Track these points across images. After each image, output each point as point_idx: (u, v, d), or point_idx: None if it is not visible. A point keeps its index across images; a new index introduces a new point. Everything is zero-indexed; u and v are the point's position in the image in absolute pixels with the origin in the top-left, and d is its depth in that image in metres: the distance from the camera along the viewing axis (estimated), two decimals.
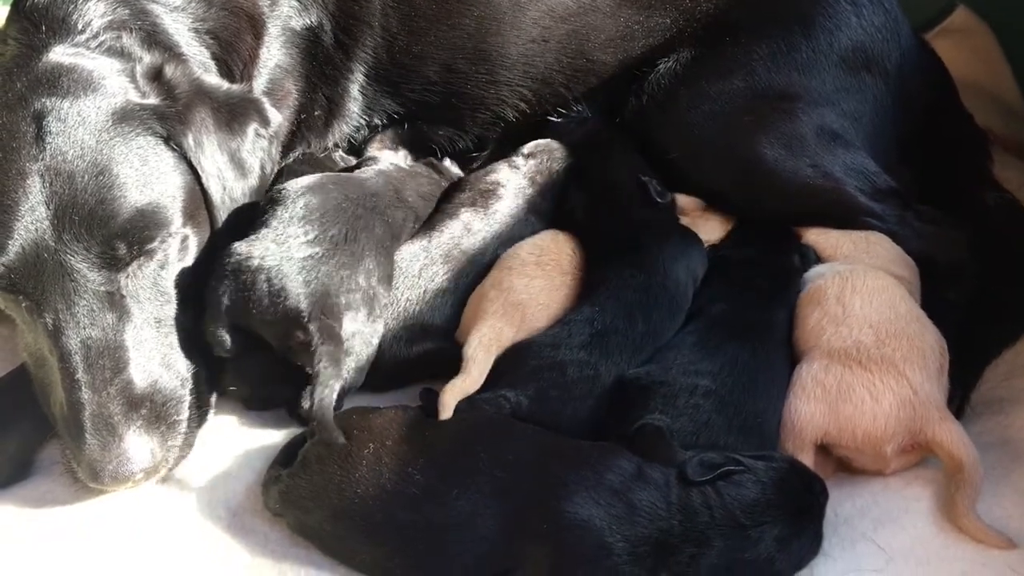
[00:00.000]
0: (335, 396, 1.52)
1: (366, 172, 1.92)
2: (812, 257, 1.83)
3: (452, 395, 1.54)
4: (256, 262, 1.59)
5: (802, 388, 1.56)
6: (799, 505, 1.37)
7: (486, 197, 1.90)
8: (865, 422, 1.50)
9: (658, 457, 1.41)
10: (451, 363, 1.66)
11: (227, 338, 1.59)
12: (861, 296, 1.64)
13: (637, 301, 1.68)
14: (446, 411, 1.51)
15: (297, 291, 1.58)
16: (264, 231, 1.65)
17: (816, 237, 1.87)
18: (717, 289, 1.76)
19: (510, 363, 1.62)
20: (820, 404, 1.53)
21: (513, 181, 1.94)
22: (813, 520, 1.39)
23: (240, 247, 1.62)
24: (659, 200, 1.86)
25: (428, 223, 1.87)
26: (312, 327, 1.56)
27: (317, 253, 1.64)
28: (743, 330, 1.65)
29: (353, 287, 1.65)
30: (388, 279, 1.74)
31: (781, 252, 1.83)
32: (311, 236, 1.65)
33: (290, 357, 1.60)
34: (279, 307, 1.57)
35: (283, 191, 1.73)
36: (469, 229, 1.85)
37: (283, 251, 1.62)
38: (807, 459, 1.50)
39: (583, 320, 1.66)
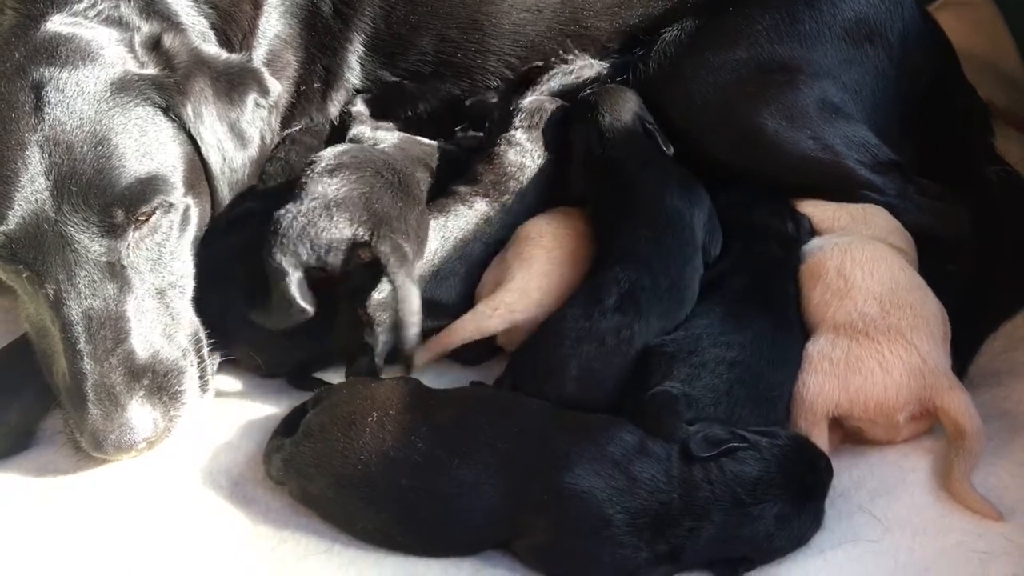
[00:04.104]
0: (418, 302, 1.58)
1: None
2: (807, 225, 1.83)
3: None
4: (319, 199, 1.63)
5: (809, 363, 1.56)
6: (801, 484, 1.38)
7: (499, 188, 1.88)
8: (876, 392, 1.50)
9: (661, 432, 1.42)
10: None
11: (294, 276, 1.59)
12: (862, 267, 1.64)
13: (654, 253, 1.68)
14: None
15: (362, 216, 1.62)
16: (316, 176, 1.68)
17: (812, 208, 1.86)
18: (736, 259, 1.75)
19: (542, 344, 1.61)
20: (829, 378, 1.53)
21: (520, 163, 1.90)
22: (815, 499, 1.40)
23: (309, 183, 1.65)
24: (667, 149, 1.86)
25: (441, 204, 1.86)
26: (383, 247, 1.60)
27: (378, 186, 1.69)
28: (768, 301, 1.66)
29: (408, 227, 1.68)
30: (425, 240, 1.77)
31: (783, 218, 1.83)
32: (368, 174, 1.70)
33: (350, 280, 1.63)
34: (343, 231, 1.61)
35: (322, 154, 1.75)
36: (486, 219, 1.84)
37: (343, 185, 1.66)
38: (820, 434, 1.51)
39: (609, 281, 1.64)
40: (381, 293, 1.63)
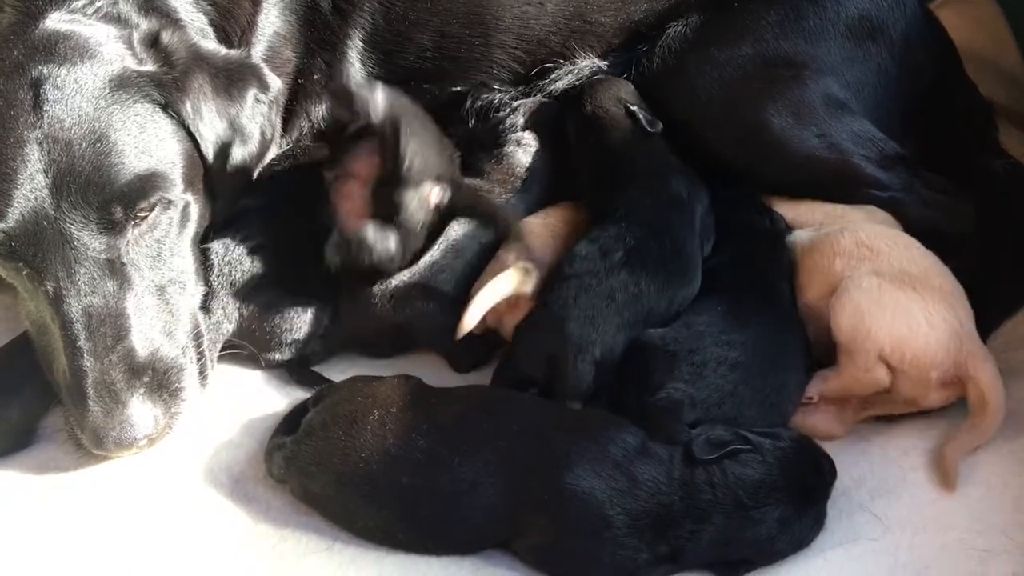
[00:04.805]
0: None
1: None
2: (782, 223, 1.83)
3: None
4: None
5: (856, 307, 1.55)
6: (804, 487, 1.38)
7: (504, 185, 1.90)
8: (918, 345, 1.51)
9: (665, 436, 1.41)
10: (450, 335, 1.68)
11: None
12: (882, 239, 1.65)
13: (655, 216, 1.69)
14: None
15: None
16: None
17: (785, 205, 1.86)
18: (731, 257, 1.75)
19: (550, 308, 1.60)
20: (877, 321, 1.53)
21: (528, 163, 1.93)
22: (817, 503, 1.40)
23: None
24: (651, 129, 1.87)
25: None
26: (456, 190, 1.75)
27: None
28: (766, 300, 1.66)
29: None
30: None
31: (764, 215, 1.84)
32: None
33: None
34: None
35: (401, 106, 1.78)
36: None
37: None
38: (882, 373, 1.52)
39: (612, 236, 1.65)
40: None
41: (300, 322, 1.71)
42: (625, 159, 1.83)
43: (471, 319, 1.62)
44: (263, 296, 1.70)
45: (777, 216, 1.83)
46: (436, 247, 1.79)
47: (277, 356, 1.73)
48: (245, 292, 1.69)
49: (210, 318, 1.68)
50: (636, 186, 1.77)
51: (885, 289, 1.56)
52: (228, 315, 1.69)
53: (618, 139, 1.86)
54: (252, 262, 1.71)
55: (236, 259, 1.71)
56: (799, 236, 1.79)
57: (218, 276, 1.69)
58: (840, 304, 1.58)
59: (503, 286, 1.64)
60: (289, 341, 1.72)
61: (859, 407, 1.60)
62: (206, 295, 1.69)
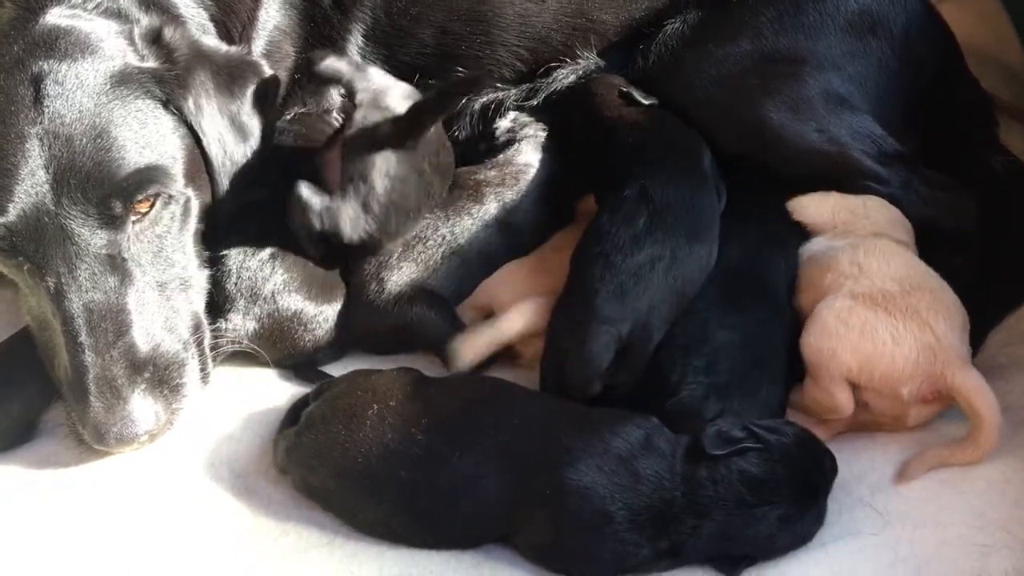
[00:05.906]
0: None
1: None
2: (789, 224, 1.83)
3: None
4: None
5: (824, 327, 1.57)
6: (806, 485, 1.38)
7: (516, 180, 1.90)
8: (884, 363, 1.51)
9: (690, 432, 1.41)
10: (448, 335, 1.70)
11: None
12: (877, 258, 1.65)
13: (679, 177, 1.69)
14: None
15: None
16: None
17: (813, 203, 1.85)
18: (732, 235, 1.75)
19: (576, 303, 1.59)
20: (844, 343, 1.54)
21: (536, 158, 1.94)
22: (818, 500, 1.39)
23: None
24: (645, 102, 1.89)
25: (452, 198, 1.86)
26: None
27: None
28: (762, 287, 1.67)
29: None
30: None
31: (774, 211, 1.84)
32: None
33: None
34: None
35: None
36: (491, 216, 1.85)
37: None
38: (843, 393, 1.53)
39: (634, 198, 1.64)
40: None
41: (321, 331, 1.72)
42: (630, 135, 1.84)
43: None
44: (282, 303, 1.70)
45: (787, 215, 1.83)
46: (439, 250, 1.79)
47: (293, 361, 1.74)
48: (263, 299, 1.69)
49: (227, 324, 1.68)
50: (646, 156, 1.78)
51: (855, 310, 1.56)
52: (246, 322, 1.69)
53: (618, 119, 1.87)
54: (270, 268, 1.71)
55: (254, 266, 1.70)
56: (810, 245, 1.78)
57: (236, 283, 1.69)
58: (810, 323, 1.60)
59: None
60: (309, 349, 1.72)
61: (845, 424, 1.60)
62: (224, 302, 1.69)
